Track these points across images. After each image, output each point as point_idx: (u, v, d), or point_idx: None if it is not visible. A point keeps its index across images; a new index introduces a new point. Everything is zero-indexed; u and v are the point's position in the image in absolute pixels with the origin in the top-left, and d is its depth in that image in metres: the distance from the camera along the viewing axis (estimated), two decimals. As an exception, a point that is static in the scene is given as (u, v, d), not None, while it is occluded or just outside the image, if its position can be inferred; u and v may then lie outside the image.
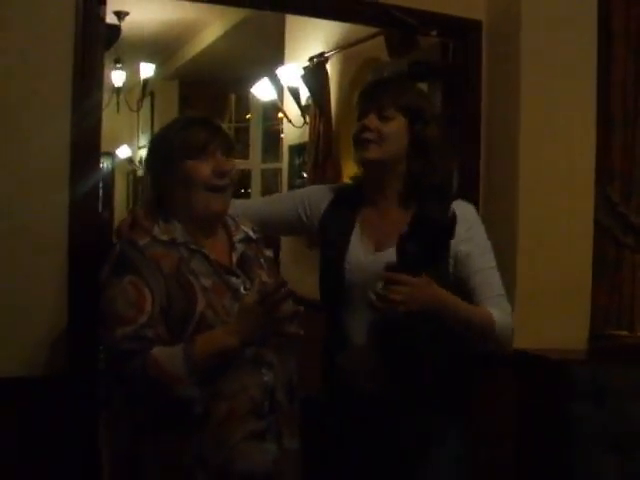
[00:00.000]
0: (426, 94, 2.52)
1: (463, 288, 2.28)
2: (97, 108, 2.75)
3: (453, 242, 2.20)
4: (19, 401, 2.49)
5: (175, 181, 2.14)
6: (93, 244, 2.67)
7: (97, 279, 2.12)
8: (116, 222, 2.82)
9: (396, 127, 2.31)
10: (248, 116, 10.00)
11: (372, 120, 2.31)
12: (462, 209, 2.33)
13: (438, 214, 2.20)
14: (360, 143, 2.34)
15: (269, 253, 2.35)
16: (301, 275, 4.24)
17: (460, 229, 2.21)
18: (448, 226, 2.09)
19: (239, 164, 2.28)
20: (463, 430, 2.45)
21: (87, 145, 2.68)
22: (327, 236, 2.42)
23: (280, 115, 8.41)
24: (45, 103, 2.59)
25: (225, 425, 2.05)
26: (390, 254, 2.19)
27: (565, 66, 3.40)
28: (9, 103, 2.54)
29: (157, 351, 1.96)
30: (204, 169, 2.11)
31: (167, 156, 2.15)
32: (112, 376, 2.08)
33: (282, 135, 7.92)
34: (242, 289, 2.13)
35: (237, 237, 2.23)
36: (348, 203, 2.43)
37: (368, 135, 2.31)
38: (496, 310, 2.26)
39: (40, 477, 2.53)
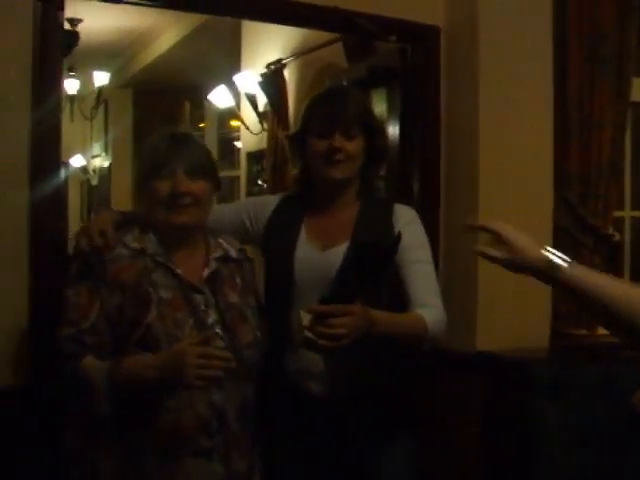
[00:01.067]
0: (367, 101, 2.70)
1: (402, 280, 2.34)
2: (56, 115, 2.72)
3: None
4: None
5: (145, 198, 2.17)
6: (54, 254, 2.66)
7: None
8: (70, 232, 2.80)
9: (360, 145, 2.37)
10: (202, 125, 9.96)
11: (339, 140, 2.33)
12: (403, 209, 2.45)
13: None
14: (330, 163, 2.35)
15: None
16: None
17: (399, 224, 2.36)
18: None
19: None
20: (415, 430, 2.48)
21: (47, 153, 2.65)
22: (273, 239, 2.44)
23: (234, 123, 8.41)
24: (2, 109, 2.56)
25: (169, 439, 2.05)
26: (336, 252, 2.30)
27: (522, 71, 3.45)
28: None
29: (88, 359, 2.01)
30: (163, 188, 2.11)
31: (139, 171, 2.22)
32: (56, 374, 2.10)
33: (237, 142, 7.89)
34: (203, 306, 2.14)
35: (214, 255, 2.23)
36: (293, 208, 2.47)
37: (339, 156, 2.34)
38: (427, 309, 2.28)
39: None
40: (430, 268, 2.40)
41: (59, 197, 2.78)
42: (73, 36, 3.30)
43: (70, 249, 2.71)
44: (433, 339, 2.30)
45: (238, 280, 2.27)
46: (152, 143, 2.20)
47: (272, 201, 2.55)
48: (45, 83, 2.63)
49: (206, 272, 2.18)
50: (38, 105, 2.61)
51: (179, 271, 2.13)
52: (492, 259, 1.75)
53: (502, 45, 3.42)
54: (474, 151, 3.38)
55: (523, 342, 3.34)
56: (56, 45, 2.68)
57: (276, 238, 2.43)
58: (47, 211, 2.64)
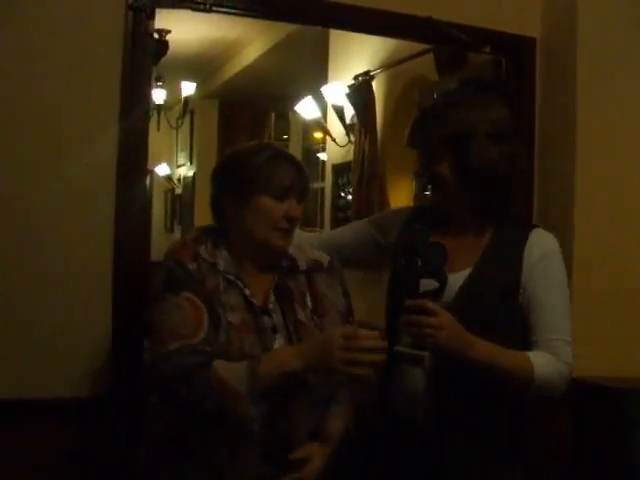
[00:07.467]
0: (475, 111, 2.20)
1: (526, 322, 2.14)
2: (144, 123, 2.73)
3: (524, 271, 2.13)
4: (64, 421, 2.48)
5: (243, 211, 2.07)
6: (137, 263, 2.65)
7: (145, 295, 2.08)
8: (154, 241, 2.79)
9: (446, 166, 2.17)
10: (285, 136, 9.99)
11: (420, 166, 2.24)
12: (539, 237, 2.21)
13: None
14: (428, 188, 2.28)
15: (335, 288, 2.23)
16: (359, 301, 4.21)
17: (531, 259, 2.14)
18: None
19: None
20: (514, 465, 2.25)
21: (133, 161, 2.65)
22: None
23: (318, 135, 8.39)
24: (92, 117, 2.57)
25: (229, 463, 1.98)
26: (455, 278, 2.11)
27: (622, 85, 3.32)
28: (57, 117, 2.52)
29: (218, 364, 1.89)
30: (278, 211, 2.05)
31: (246, 184, 2.07)
32: (165, 390, 1.95)
33: (321, 154, 7.87)
34: (270, 330, 2.05)
35: (280, 267, 2.14)
36: (423, 224, 2.28)
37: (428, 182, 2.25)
38: (545, 356, 2.09)
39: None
40: (559, 312, 2.15)
41: (144, 205, 2.77)
42: (162, 45, 3.28)
43: (153, 257, 2.71)
44: (542, 388, 2.08)
45: (308, 298, 2.16)
46: (262, 159, 2.08)
47: (403, 215, 2.42)
48: (134, 91, 2.63)
49: (272, 288, 2.11)
50: (127, 113, 2.60)
51: (247, 292, 2.06)
52: None
53: (601, 58, 3.30)
54: (570, 169, 3.25)
55: (619, 370, 3.18)
56: (146, 53, 2.68)
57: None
58: (132, 219, 2.63)
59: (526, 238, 2.18)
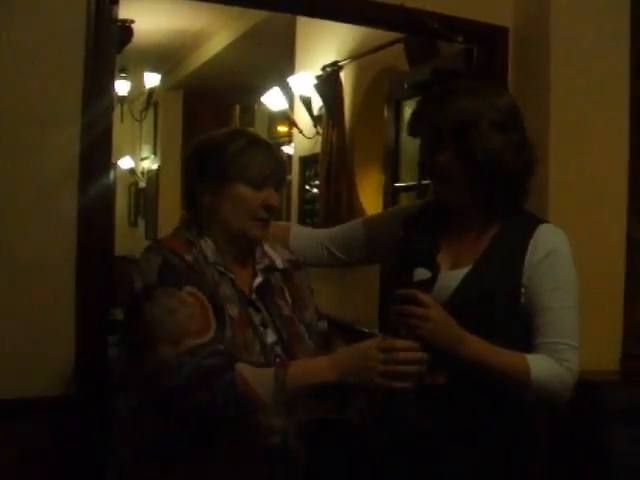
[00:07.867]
0: (480, 98, 2.06)
1: (529, 325, 2.02)
2: (108, 115, 2.66)
3: (526, 269, 2.01)
4: (29, 422, 2.46)
5: (219, 199, 1.98)
6: (101, 258, 2.61)
7: (116, 290, 1.99)
8: (118, 235, 2.72)
9: (448, 156, 2.05)
10: (251, 129, 9.89)
11: (426, 157, 2.11)
12: (545, 233, 2.07)
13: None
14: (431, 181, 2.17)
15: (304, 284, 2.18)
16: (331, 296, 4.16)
17: (534, 256, 2.01)
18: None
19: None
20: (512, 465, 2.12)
21: (97, 154, 2.60)
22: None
23: (282, 128, 8.32)
24: (54, 108, 2.51)
25: (232, 466, 1.88)
26: (454, 275, 2.03)
27: (596, 75, 3.30)
28: (16, 108, 2.46)
29: (242, 367, 1.77)
30: (255, 200, 1.96)
31: (223, 171, 1.97)
32: (180, 395, 1.77)
33: (286, 147, 7.80)
34: (261, 325, 1.97)
35: (259, 265, 2.07)
36: (427, 221, 2.21)
37: (430, 173, 2.14)
38: (545, 359, 1.96)
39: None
40: (565, 314, 2.01)
41: (108, 199, 2.72)
42: (126, 32, 3.20)
43: (117, 252, 2.64)
44: (540, 392, 1.95)
45: (287, 294, 2.10)
46: (237, 146, 1.97)
47: (411, 209, 2.33)
48: (97, 80, 2.57)
49: (256, 283, 2.02)
50: (90, 103, 2.54)
51: (238, 283, 1.98)
52: None
53: (575, 49, 3.27)
54: (544, 159, 3.15)
55: (592, 364, 3.11)
56: (109, 40, 2.62)
57: None
58: (95, 213, 2.58)
59: (531, 234, 2.05)
